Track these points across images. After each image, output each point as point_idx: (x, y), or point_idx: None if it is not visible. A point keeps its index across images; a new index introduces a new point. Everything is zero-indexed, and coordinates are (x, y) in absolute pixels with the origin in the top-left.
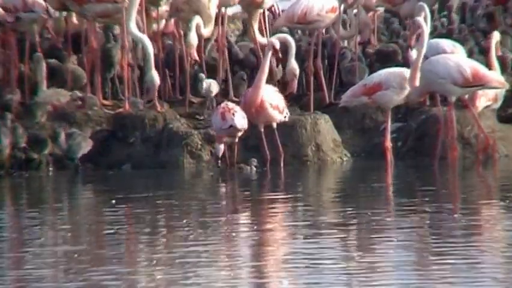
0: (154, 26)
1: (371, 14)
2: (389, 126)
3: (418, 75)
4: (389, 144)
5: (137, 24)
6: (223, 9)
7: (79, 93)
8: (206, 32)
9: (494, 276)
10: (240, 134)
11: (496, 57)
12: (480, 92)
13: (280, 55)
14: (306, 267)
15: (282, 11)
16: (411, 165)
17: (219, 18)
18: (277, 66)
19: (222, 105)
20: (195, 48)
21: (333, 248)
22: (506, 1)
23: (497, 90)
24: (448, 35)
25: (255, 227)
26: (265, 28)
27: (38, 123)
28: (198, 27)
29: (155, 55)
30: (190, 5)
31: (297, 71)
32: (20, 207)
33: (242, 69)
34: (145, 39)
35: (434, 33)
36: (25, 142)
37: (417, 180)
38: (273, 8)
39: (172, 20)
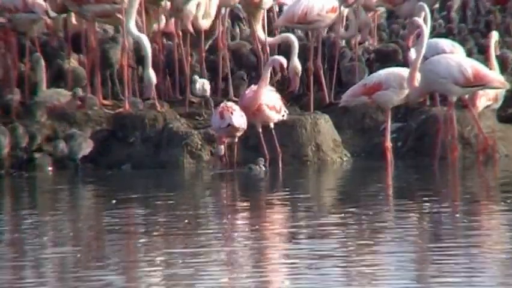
0: (154, 25)
1: (371, 14)
2: (389, 126)
3: (417, 75)
4: (389, 144)
5: (137, 23)
6: (223, 9)
7: (80, 92)
8: (204, 23)
9: (494, 276)
10: (239, 133)
11: (495, 56)
12: (480, 92)
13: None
14: (307, 267)
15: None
16: (411, 165)
17: (219, 19)
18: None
19: (222, 104)
20: (190, 20)
21: (334, 248)
22: (506, 1)
23: (497, 90)
24: (448, 35)
25: (255, 228)
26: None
27: (38, 122)
28: (195, 18)
29: (155, 55)
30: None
31: (299, 69)
32: (20, 208)
33: (242, 69)
34: (144, 38)
35: (433, 33)
36: (26, 142)
37: (417, 180)
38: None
39: (172, 20)
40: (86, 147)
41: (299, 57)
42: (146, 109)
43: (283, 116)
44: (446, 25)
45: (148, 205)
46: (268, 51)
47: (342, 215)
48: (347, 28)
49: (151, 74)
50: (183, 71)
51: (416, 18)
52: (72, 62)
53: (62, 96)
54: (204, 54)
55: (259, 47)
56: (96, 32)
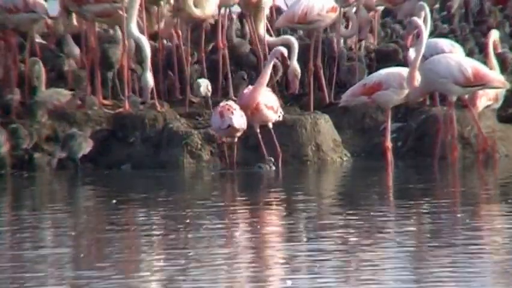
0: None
1: (372, 13)
2: (389, 126)
3: (417, 75)
4: (389, 144)
5: (138, 24)
6: (222, 9)
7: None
8: (197, 12)
9: (495, 276)
10: (239, 133)
11: (495, 55)
12: (481, 91)
13: (288, 63)
14: (308, 268)
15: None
16: (411, 165)
17: (219, 18)
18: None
19: (222, 104)
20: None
21: (334, 248)
22: (506, 1)
23: (497, 90)
24: (448, 35)
25: (256, 228)
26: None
27: (38, 122)
28: (188, 6)
29: (155, 55)
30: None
31: (299, 72)
32: (20, 208)
33: (242, 68)
34: (144, 40)
35: (435, 33)
36: (26, 142)
37: (417, 181)
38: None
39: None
40: (86, 146)
41: (299, 56)
42: (146, 109)
43: (279, 116)
44: (446, 25)
45: (148, 205)
46: (267, 51)
47: (342, 215)
48: (347, 27)
49: (149, 77)
50: (183, 71)
51: (415, 18)
52: (72, 62)
53: (62, 96)
54: (204, 54)
55: (260, 46)
56: (96, 32)
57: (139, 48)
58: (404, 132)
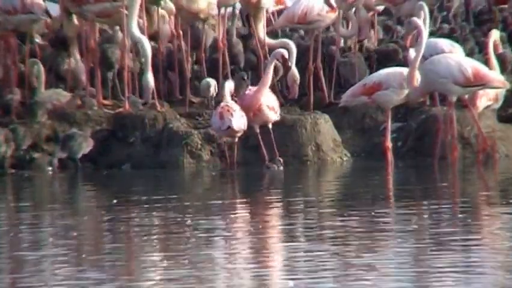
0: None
1: (371, 13)
2: (389, 126)
3: (416, 75)
4: (389, 144)
5: (138, 24)
6: (222, 9)
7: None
8: (185, 4)
9: (495, 276)
10: (239, 134)
11: (495, 55)
12: (481, 91)
13: (289, 64)
14: (309, 268)
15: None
16: (411, 165)
17: (219, 18)
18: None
19: (222, 104)
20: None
21: (335, 249)
22: (506, 1)
23: (497, 90)
24: (449, 35)
25: (256, 228)
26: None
27: (38, 122)
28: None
29: (155, 55)
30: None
31: (298, 77)
32: (20, 208)
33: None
34: (145, 41)
35: (437, 33)
36: (26, 143)
37: (417, 181)
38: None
39: (172, 19)
40: (86, 146)
41: (300, 57)
42: (146, 109)
43: (278, 116)
44: (446, 25)
45: (148, 205)
46: (267, 51)
47: (342, 215)
48: (347, 27)
49: (150, 78)
50: (183, 71)
51: (415, 19)
52: (72, 62)
53: (61, 96)
54: (204, 54)
55: (259, 46)
56: (95, 32)
57: (139, 48)
58: (404, 132)
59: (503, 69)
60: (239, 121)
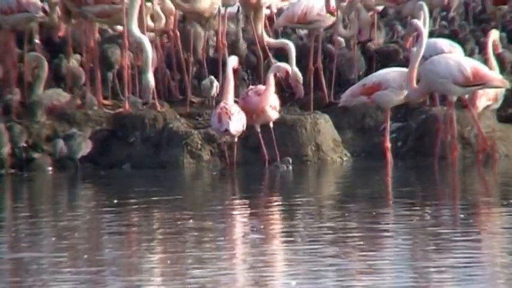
0: (152, 24)
1: (371, 13)
2: (389, 126)
3: (415, 76)
4: (388, 144)
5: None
6: (222, 9)
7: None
8: (185, 6)
9: (495, 276)
10: (237, 135)
11: (494, 55)
12: (480, 91)
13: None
14: (309, 268)
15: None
16: (411, 165)
17: (219, 19)
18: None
19: (221, 105)
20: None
21: (335, 249)
22: (506, 1)
23: (497, 90)
24: (449, 35)
25: (257, 229)
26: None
27: (38, 122)
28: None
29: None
30: None
31: (300, 77)
32: (19, 208)
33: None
34: (145, 40)
35: (436, 33)
36: (25, 142)
37: (417, 181)
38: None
39: (172, 19)
40: (85, 147)
41: (299, 57)
42: (146, 109)
43: (277, 114)
44: (447, 26)
45: (148, 205)
46: (267, 50)
47: (342, 215)
48: (347, 27)
49: (150, 77)
50: (183, 71)
51: (415, 20)
52: (72, 62)
53: (61, 96)
54: (204, 54)
55: (259, 46)
56: (95, 32)
57: (140, 48)
58: (404, 132)
59: (502, 69)
60: (237, 124)
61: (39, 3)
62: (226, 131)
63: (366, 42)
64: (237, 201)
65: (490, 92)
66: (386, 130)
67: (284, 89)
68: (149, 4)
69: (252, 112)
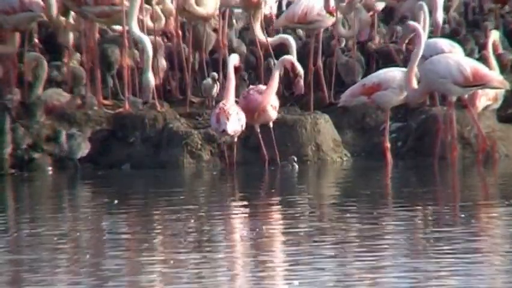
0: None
1: (371, 13)
2: (388, 126)
3: (414, 76)
4: (388, 144)
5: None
6: (223, 9)
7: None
8: (199, 10)
9: (495, 276)
10: (236, 135)
11: (494, 56)
12: (480, 91)
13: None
14: (310, 268)
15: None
16: (411, 165)
17: (219, 19)
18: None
19: (220, 105)
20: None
21: (335, 249)
22: (505, 1)
23: (497, 90)
24: (451, 35)
25: (257, 229)
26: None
27: (38, 122)
28: (189, 5)
29: (155, 55)
30: None
31: (302, 72)
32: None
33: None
34: (146, 40)
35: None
36: (26, 142)
37: (417, 181)
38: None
39: (172, 19)
40: (84, 147)
41: (299, 57)
42: (146, 109)
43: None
44: (446, 25)
45: (148, 205)
46: (270, 50)
47: (342, 215)
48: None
49: (150, 77)
50: (184, 71)
51: (411, 22)
52: (72, 62)
53: (61, 96)
54: (205, 54)
55: (259, 46)
56: (95, 32)
57: (141, 48)
58: (404, 132)
59: (502, 70)
60: (234, 125)
61: (41, 3)
62: (224, 131)
63: (366, 42)
64: (237, 202)
65: (490, 92)
66: (386, 130)
67: (284, 89)
68: (147, 6)
69: (254, 111)
